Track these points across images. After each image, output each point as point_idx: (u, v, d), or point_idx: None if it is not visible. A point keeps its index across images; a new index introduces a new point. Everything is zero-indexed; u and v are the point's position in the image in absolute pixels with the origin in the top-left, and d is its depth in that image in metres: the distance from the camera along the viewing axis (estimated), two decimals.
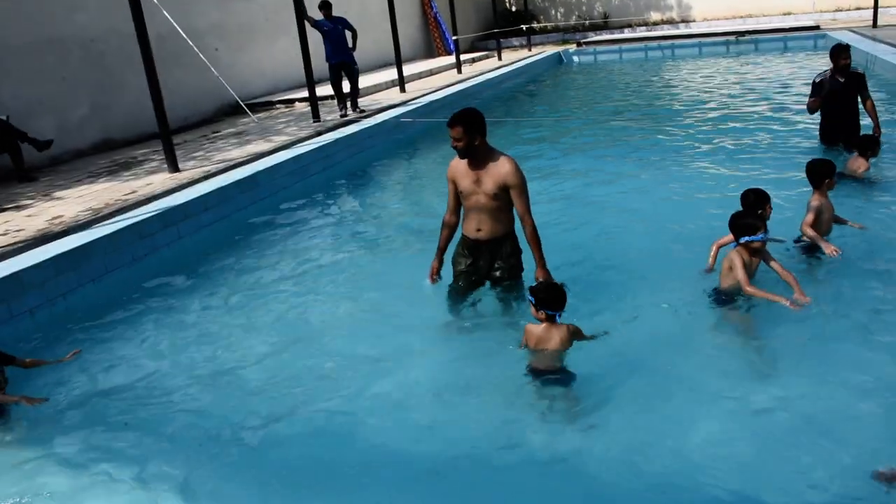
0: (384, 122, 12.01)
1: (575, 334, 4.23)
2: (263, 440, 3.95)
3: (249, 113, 13.12)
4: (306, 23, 11.96)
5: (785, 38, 21.29)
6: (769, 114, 11.74)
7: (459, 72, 18.52)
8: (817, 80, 8.59)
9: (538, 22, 29.14)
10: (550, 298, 4.12)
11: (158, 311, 5.87)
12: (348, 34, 12.53)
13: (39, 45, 10.72)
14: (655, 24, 28.71)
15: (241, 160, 9.50)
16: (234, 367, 4.81)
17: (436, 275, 5.14)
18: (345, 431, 3.99)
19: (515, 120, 13.02)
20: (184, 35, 11.71)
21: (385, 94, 15.31)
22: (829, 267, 5.18)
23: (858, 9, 24.24)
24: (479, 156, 4.65)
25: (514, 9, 30.03)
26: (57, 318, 5.84)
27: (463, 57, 19.93)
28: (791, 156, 8.75)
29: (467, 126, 4.52)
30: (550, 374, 4.15)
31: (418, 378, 4.42)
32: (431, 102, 13.90)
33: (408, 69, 16.83)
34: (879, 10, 20.26)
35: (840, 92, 8.39)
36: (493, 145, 4.81)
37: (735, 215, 4.79)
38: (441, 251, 5.13)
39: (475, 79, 17.28)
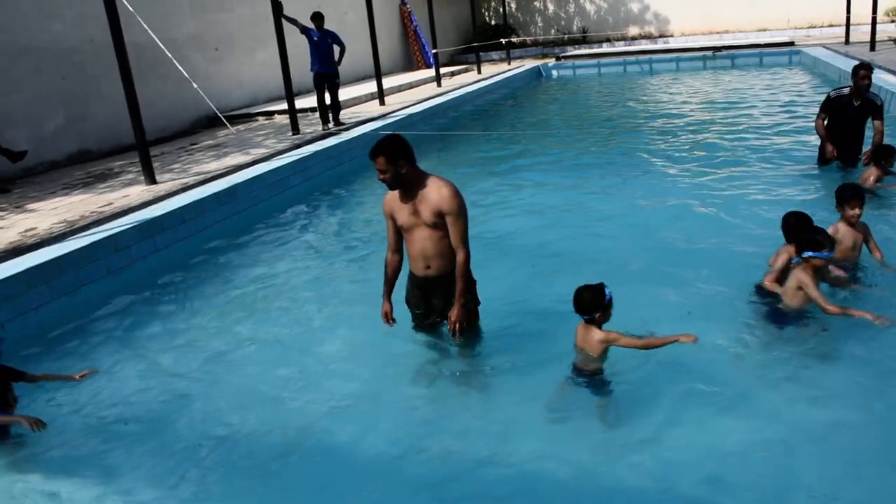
0: (363, 134, 12.00)
1: (610, 342, 4.07)
2: (236, 448, 4.00)
3: (228, 125, 13.06)
4: (294, 27, 11.97)
5: (761, 54, 21.59)
6: (747, 128, 11.89)
7: (439, 85, 18.57)
8: (831, 94, 8.44)
9: (517, 36, 29.35)
10: (574, 301, 4.11)
11: (133, 324, 5.81)
12: (335, 48, 12.54)
13: (13, 54, 10.61)
14: (634, 38, 29.03)
15: (219, 172, 9.44)
16: (209, 378, 4.80)
17: (390, 319, 4.55)
18: (329, 441, 4.03)
19: (494, 133, 13.08)
20: (161, 45, 11.64)
21: (364, 107, 15.32)
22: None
23: (831, 25, 24.66)
24: (410, 184, 4.17)
25: (493, 22, 30.25)
26: (29, 332, 5.75)
27: (442, 70, 19.99)
28: (771, 172, 8.90)
29: (389, 155, 4.05)
30: (586, 376, 4.20)
31: (397, 384, 4.48)
32: (411, 115, 13.92)
33: (387, 82, 16.85)
34: (851, 27, 20.62)
35: (852, 114, 8.23)
36: (434, 168, 4.40)
37: (806, 229, 4.66)
38: (388, 293, 4.55)
39: (454, 92, 17.35)
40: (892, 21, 21.57)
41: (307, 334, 5.40)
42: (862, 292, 4.97)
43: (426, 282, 4.40)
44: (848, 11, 20.31)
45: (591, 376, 4.18)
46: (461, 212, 4.17)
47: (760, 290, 5.00)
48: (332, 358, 4.96)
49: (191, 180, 9.05)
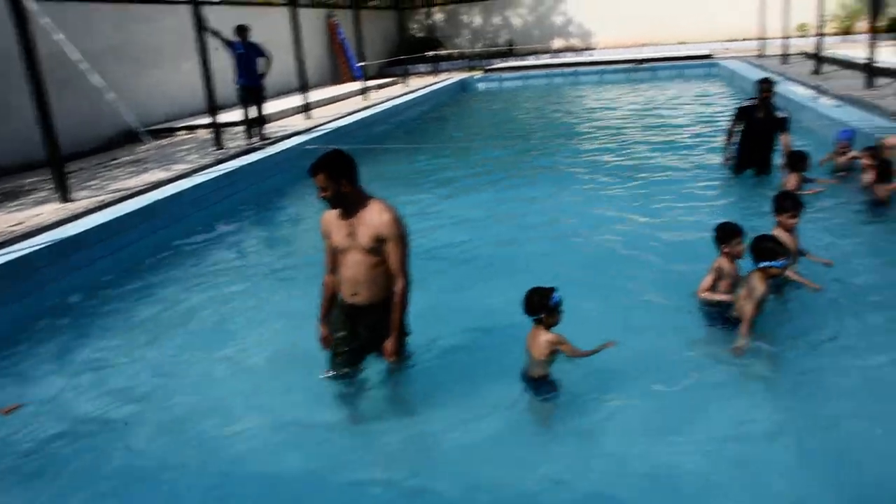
0: (289, 149, 11.84)
1: (554, 344, 4.07)
2: (153, 482, 3.85)
3: (146, 139, 12.70)
4: (218, 41, 11.73)
5: (681, 66, 22.28)
6: (666, 139, 12.22)
7: (365, 98, 18.50)
8: (741, 106, 8.84)
9: (444, 48, 29.54)
10: (523, 301, 4.09)
11: (44, 350, 5.55)
12: (260, 60, 12.34)
13: None
14: (559, 51, 29.57)
15: (138, 189, 9.15)
16: (126, 404, 4.63)
17: (326, 342, 4.33)
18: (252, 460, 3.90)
19: (422, 146, 13.09)
20: (76, 56, 11.24)
21: (290, 121, 15.13)
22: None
23: (746, 39, 25.62)
24: (350, 204, 3.96)
25: (420, 35, 30.39)
26: None
27: (369, 83, 19.96)
28: (690, 180, 9.18)
29: (331, 172, 3.84)
30: (533, 381, 4.19)
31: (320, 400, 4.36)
32: (337, 129, 13.82)
33: (313, 95, 16.70)
34: (765, 41, 21.50)
35: (757, 124, 8.64)
36: (373, 190, 4.14)
37: (757, 238, 4.68)
38: (325, 316, 4.32)
39: (381, 105, 17.31)
40: (802, 36, 22.55)
41: (228, 358, 5.22)
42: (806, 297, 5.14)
43: (353, 309, 4.15)
44: (762, 26, 21.19)
45: (537, 381, 4.20)
46: (402, 238, 3.98)
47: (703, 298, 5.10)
48: (255, 384, 4.79)
49: (108, 197, 8.74)
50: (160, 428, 4.36)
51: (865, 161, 7.80)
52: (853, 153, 8.49)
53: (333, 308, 4.29)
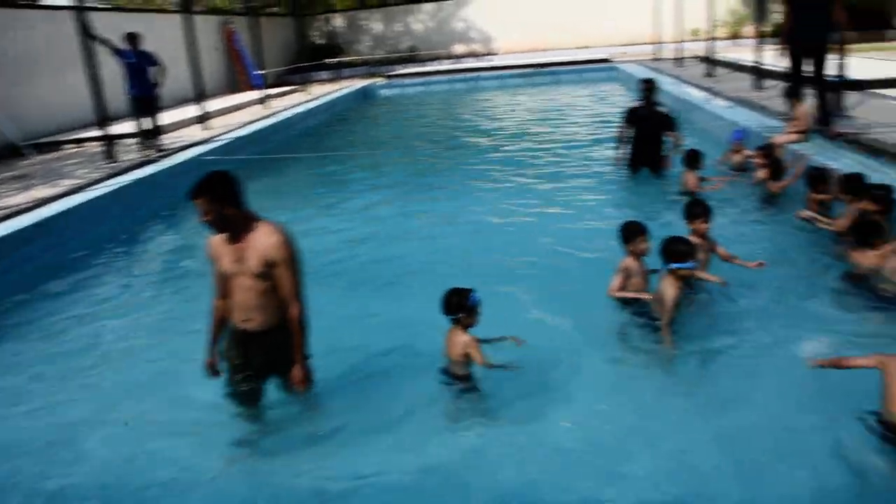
0: (187, 161, 11.37)
1: (466, 347, 4.08)
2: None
3: (30, 153, 11.95)
4: (106, 49, 11.15)
5: (580, 70, 22.74)
6: (567, 141, 12.42)
7: (266, 107, 18.05)
8: (630, 107, 9.09)
9: (345, 56, 29.22)
10: (442, 300, 4.10)
11: None
12: (152, 69, 11.79)
13: None
14: (461, 56, 29.71)
15: (23, 206, 8.56)
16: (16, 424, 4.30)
17: (215, 371, 4.08)
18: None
19: (324, 155, 12.82)
20: None
21: (187, 132, 14.55)
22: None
23: (643, 44, 26.40)
24: (236, 228, 3.69)
25: (321, 42, 29.96)
26: None
27: (269, 91, 19.48)
28: (587, 180, 9.38)
29: (212, 195, 3.57)
30: (453, 381, 4.19)
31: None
32: (237, 139, 13.39)
33: (211, 105, 16.13)
34: (661, 45, 22.23)
35: (644, 123, 8.90)
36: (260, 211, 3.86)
37: (668, 240, 4.66)
38: (213, 343, 4.05)
39: (282, 114, 16.92)
40: (695, 40, 23.38)
41: (119, 385, 4.87)
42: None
43: (245, 335, 3.90)
44: (657, 30, 21.91)
45: (459, 381, 4.19)
46: (293, 261, 3.75)
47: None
48: (147, 412, 4.46)
49: None
50: (38, 461, 4.04)
51: (758, 160, 8.13)
52: (747, 152, 8.79)
53: (223, 333, 4.04)
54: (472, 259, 6.71)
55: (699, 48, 20.46)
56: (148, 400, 4.63)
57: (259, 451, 4.04)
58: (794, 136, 8.67)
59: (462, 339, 4.09)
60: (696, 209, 5.40)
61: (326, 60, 25.52)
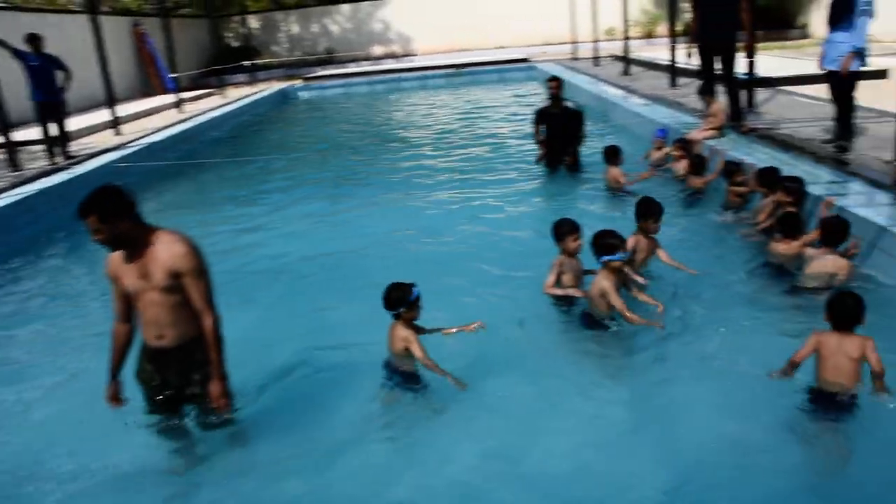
0: (99, 168, 10.89)
1: (406, 342, 4.11)
2: None
3: None
4: (5, 51, 10.56)
5: (499, 70, 22.91)
6: (489, 140, 12.47)
7: (181, 111, 17.52)
8: (540, 107, 9.23)
9: (261, 58, 28.66)
10: (383, 295, 4.12)
11: None
12: (58, 73, 11.21)
13: None
14: (379, 58, 29.55)
15: None
16: None
17: (115, 401, 3.76)
18: None
19: (243, 159, 12.50)
20: None
21: (98, 138, 13.95)
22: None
23: (561, 43, 26.79)
24: (134, 243, 3.46)
25: (236, 44, 29.29)
26: None
27: (184, 95, 18.91)
28: (512, 179, 9.42)
29: (102, 213, 3.32)
30: (398, 374, 4.23)
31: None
32: (152, 144, 12.92)
33: (123, 109, 15.51)
34: (578, 44, 22.61)
35: (555, 121, 9.07)
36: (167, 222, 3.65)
37: (596, 234, 4.69)
38: (115, 370, 3.76)
39: (198, 118, 16.44)
40: (611, 39, 23.88)
41: (21, 415, 4.53)
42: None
43: (160, 353, 3.65)
44: (573, 31, 22.28)
45: (401, 376, 4.22)
46: (201, 270, 3.52)
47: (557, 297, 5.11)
48: (54, 443, 4.14)
49: None
50: None
51: (676, 153, 8.40)
52: (667, 149, 8.99)
53: (125, 360, 3.76)
54: (398, 260, 6.63)
55: (615, 47, 20.91)
56: (46, 427, 4.36)
57: (187, 475, 3.84)
58: (709, 132, 8.90)
59: (402, 333, 4.12)
60: (647, 207, 5.40)
61: (243, 63, 24.92)
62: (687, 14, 19.70)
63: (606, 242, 4.62)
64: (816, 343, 3.80)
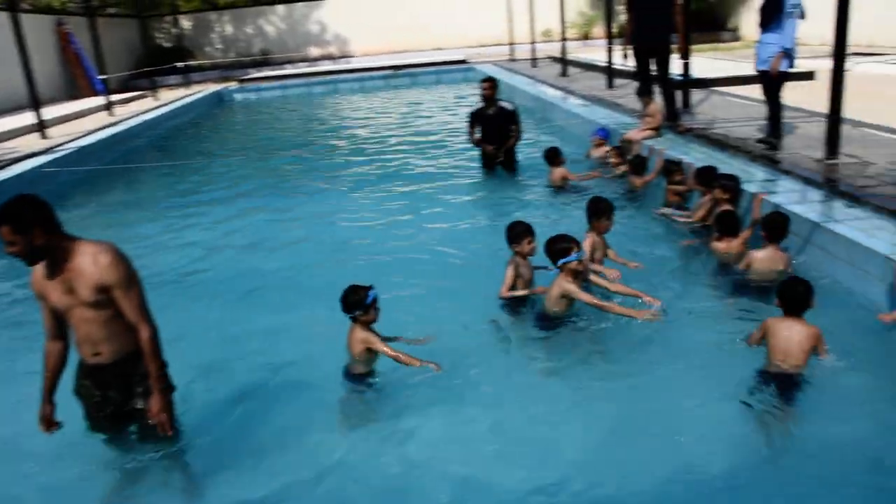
0: (23, 173, 10.43)
1: (367, 343, 4.15)
2: None
3: None
4: None
5: (438, 71, 22.90)
6: (429, 142, 12.43)
7: (111, 114, 16.98)
8: (473, 110, 9.25)
9: (194, 59, 28.04)
10: (341, 298, 4.15)
11: None
12: None
13: None
14: (316, 59, 29.23)
15: None
16: None
17: (49, 425, 3.54)
18: None
19: (178, 163, 12.16)
20: None
21: (22, 142, 13.37)
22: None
23: (498, 45, 26.94)
24: (54, 256, 3.24)
25: (167, 45, 28.56)
26: None
27: (114, 97, 18.32)
28: (451, 180, 9.44)
29: (17, 224, 3.10)
30: (354, 378, 4.23)
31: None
32: (81, 148, 12.44)
33: (48, 112, 14.94)
34: (515, 45, 22.76)
35: (490, 122, 9.09)
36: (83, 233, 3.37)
37: (549, 241, 4.73)
38: (49, 392, 3.53)
39: (130, 121, 15.94)
40: (548, 41, 24.12)
41: None
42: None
43: (98, 370, 3.46)
44: (511, 32, 22.43)
45: (359, 378, 4.22)
46: (130, 280, 3.31)
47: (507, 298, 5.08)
48: None
49: None
50: None
51: (613, 159, 8.58)
52: (606, 149, 9.09)
53: (59, 380, 3.54)
54: (342, 265, 6.49)
55: (552, 49, 21.12)
56: None
57: (131, 493, 3.64)
58: (647, 132, 9.02)
59: (360, 335, 4.15)
60: (599, 207, 5.43)
61: (176, 64, 24.29)
62: (623, 16, 20.07)
63: (560, 247, 4.65)
64: (767, 327, 4.04)
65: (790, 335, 3.93)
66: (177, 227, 8.26)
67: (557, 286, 4.69)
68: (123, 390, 3.53)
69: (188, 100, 20.19)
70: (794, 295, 3.96)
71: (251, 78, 24.64)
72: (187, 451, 3.80)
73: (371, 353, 4.20)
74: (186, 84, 23.99)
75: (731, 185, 6.08)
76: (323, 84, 23.17)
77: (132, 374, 3.49)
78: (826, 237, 5.31)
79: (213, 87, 23.11)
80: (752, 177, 6.82)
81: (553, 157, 8.37)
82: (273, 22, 29.79)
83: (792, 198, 6.09)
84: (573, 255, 4.62)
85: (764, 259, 5.18)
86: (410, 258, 6.54)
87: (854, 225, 5.30)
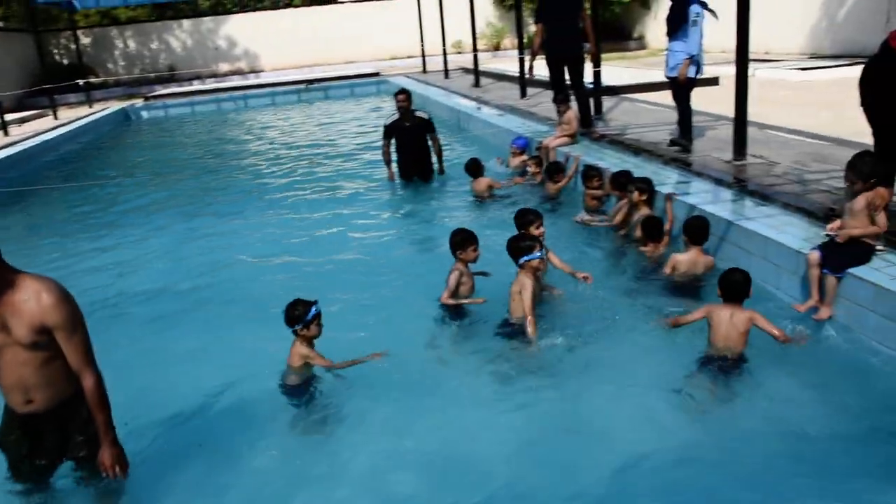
0: None
1: (306, 357, 4.18)
2: None
3: None
4: None
5: (351, 85, 22.76)
6: (344, 155, 12.33)
7: (7, 134, 16.15)
8: (386, 122, 9.23)
9: (96, 76, 27.00)
10: (284, 312, 4.17)
11: None
12: None
13: None
14: (225, 75, 28.61)
15: None
16: None
17: None
18: None
19: (82, 185, 11.61)
20: None
21: None
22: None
23: (410, 57, 26.97)
24: None
25: (65, 62, 27.38)
26: None
27: (9, 117, 17.44)
28: (370, 192, 9.39)
29: None
30: (287, 388, 4.24)
31: None
32: None
33: None
34: (426, 58, 22.82)
35: (406, 134, 9.10)
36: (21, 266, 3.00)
37: (511, 239, 4.88)
38: None
39: (27, 141, 15.17)
40: (459, 52, 24.30)
41: None
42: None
43: (31, 419, 3.09)
44: (423, 44, 22.50)
45: (291, 389, 4.24)
46: (76, 322, 2.96)
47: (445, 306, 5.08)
48: None
49: None
50: None
51: (531, 168, 8.70)
52: (524, 157, 9.18)
53: None
54: (260, 280, 6.36)
55: (464, 60, 21.28)
56: None
57: None
58: (563, 139, 9.15)
59: (300, 351, 4.16)
60: (528, 216, 5.46)
61: (77, 81, 23.27)
62: (533, 27, 20.44)
63: (522, 245, 4.79)
64: (707, 312, 4.36)
65: (729, 322, 4.21)
66: (86, 251, 7.84)
67: (517, 283, 4.77)
68: (61, 439, 3.20)
69: (91, 118, 19.38)
70: (732, 283, 4.27)
71: (158, 95, 23.87)
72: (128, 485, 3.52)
73: (308, 367, 4.23)
74: (88, 102, 23.04)
75: (645, 187, 6.27)
76: (233, 100, 22.65)
77: (71, 422, 3.16)
78: (740, 234, 5.48)
79: (117, 105, 22.28)
80: (666, 179, 6.99)
81: (475, 168, 8.41)
82: (179, 37, 28.98)
83: (705, 198, 6.27)
84: (536, 254, 4.74)
85: (687, 261, 5.35)
86: (330, 274, 6.42)
87: (765, 222, 5.49)
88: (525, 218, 5.38)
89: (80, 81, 23.14)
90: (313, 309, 4.15)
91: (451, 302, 5.02)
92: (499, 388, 4.30)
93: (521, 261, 4.77)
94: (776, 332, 4.18)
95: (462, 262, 5.10)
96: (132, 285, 6.62)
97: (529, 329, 4.59)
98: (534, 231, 5.23)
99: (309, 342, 4.20)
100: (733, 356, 4.19)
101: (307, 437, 4.05)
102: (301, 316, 4.13)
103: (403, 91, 9.27)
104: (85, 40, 27.95)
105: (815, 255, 4.59)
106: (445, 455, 3.70)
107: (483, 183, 8.34)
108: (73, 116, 19.64)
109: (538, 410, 4.03)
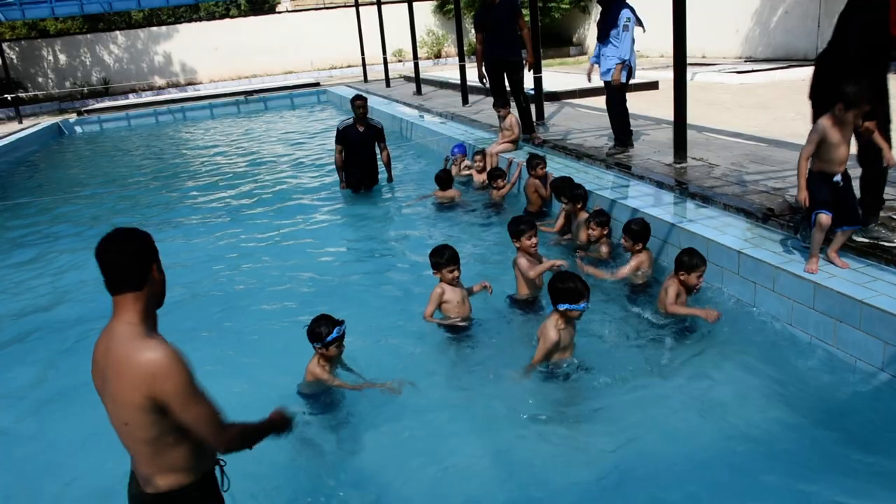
0: None
1: (317, 377, 4.09)
2: None
3: None
4: None
5: (291, 95, 22.50)
6: (287, 165, 12.18)
7: None
8: (339, 126, 9.13)
9: (25, 90, 26.14)
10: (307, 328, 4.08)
11: None
12: None
13: None
14: (161, 88, 28.04)
15: None
16: None
17: None
18: None
19: (11, 203, 11.15)
20: None
21: None
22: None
23: (350, 66, 26.82)
24: None
25: None
26: None
27: None
28: (316, 202, 9.25)
29: None
30: (304, 397, 4.15)
31: None
32: None
33: None
34: (367, 67, 22.70)
35: (358, 139, 9.02)
36: None
37: (555, 277, 4.21)
38: None
39: None
40: (400, 61, 24.24)
41: None
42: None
43: None
44: (363, 53, 22.35)
45: (308, 398, 4.15)
46: None
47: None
48: None
49: None
50: None
51: (475, 174, 8.77)
52: (466, 163, 9.15)
53: None
54: (211, 297, 6.16)
55: (404, 69, 21.22)
56: None
57: None
58: (505, 145, 9.14)
59: (313, 370, 4.06)
60: (521, 225, 5.19)
61: (6, 96, 22.48)
62: (471, 35, 20.49)
63: (567, 287, 4.10)
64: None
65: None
66: (14, 274, 7.50)
67: (544, 330, 4.20)
68: None
69: (21, 134, 18.69)
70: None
71: (93, 109, 23.21)
72: None
73: (320, 383, 4.11)
74: (17, 118, 22.27)
75: (579, 193, 6.37)
76: (170, 113, 22.15)
77: None
78: (683, 236, 5.50)
79: (49, 120, 21.57)
80: (609, 183, 7.01)
81: (443, 181, 8.34)
82: (112, 50, 28.29)
83: (647, 201, 6.30)
84: (581, 304, 4.08)
85: (635, 261, 5.39)
86: (281, 292, 6.21)
87: (706, 223, 5.53)
88: (517, 227, 5.13)
89: (8, 96, 22.36)
90: (335, 331, 3.96)
91: (433, 321, 4.87)
92: (462, 403, 4.23)
93: (561, 308, 4.13)
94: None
95: (445, 282, 4.87)
96: (72, 306, 6.36)
97: (527, 368, 4.25)
98: (526, 241, 5.03)
99: (328, 361, 4.06)
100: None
101: (314, 447, 3.92)
102: (322, 336, 3.96)
103: (361, 97, 9.19)
104: (11, 53, 27.05)
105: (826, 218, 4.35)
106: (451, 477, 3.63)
107: (451, 193, 8.32)
108: (2, 132, 18.93)
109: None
